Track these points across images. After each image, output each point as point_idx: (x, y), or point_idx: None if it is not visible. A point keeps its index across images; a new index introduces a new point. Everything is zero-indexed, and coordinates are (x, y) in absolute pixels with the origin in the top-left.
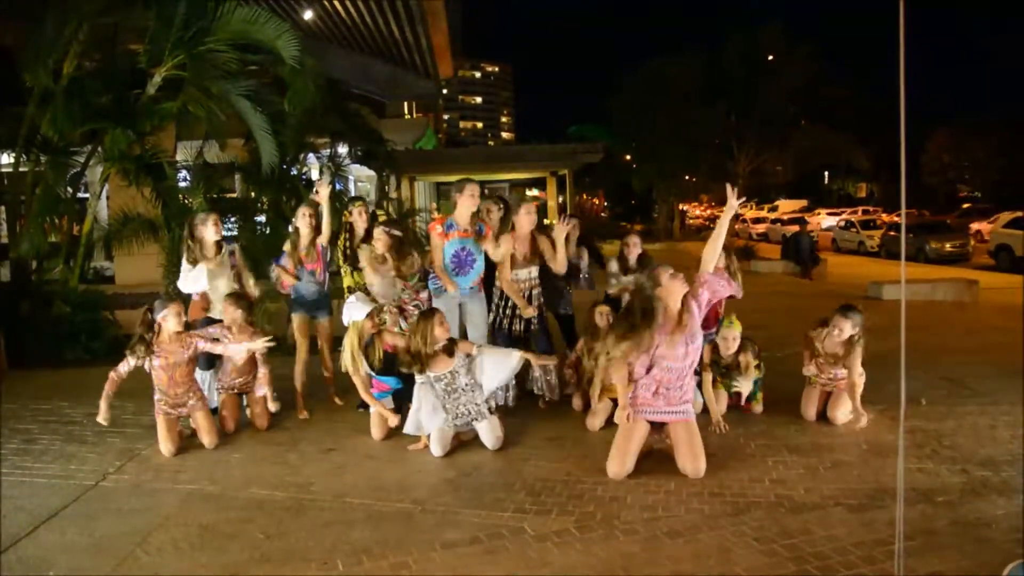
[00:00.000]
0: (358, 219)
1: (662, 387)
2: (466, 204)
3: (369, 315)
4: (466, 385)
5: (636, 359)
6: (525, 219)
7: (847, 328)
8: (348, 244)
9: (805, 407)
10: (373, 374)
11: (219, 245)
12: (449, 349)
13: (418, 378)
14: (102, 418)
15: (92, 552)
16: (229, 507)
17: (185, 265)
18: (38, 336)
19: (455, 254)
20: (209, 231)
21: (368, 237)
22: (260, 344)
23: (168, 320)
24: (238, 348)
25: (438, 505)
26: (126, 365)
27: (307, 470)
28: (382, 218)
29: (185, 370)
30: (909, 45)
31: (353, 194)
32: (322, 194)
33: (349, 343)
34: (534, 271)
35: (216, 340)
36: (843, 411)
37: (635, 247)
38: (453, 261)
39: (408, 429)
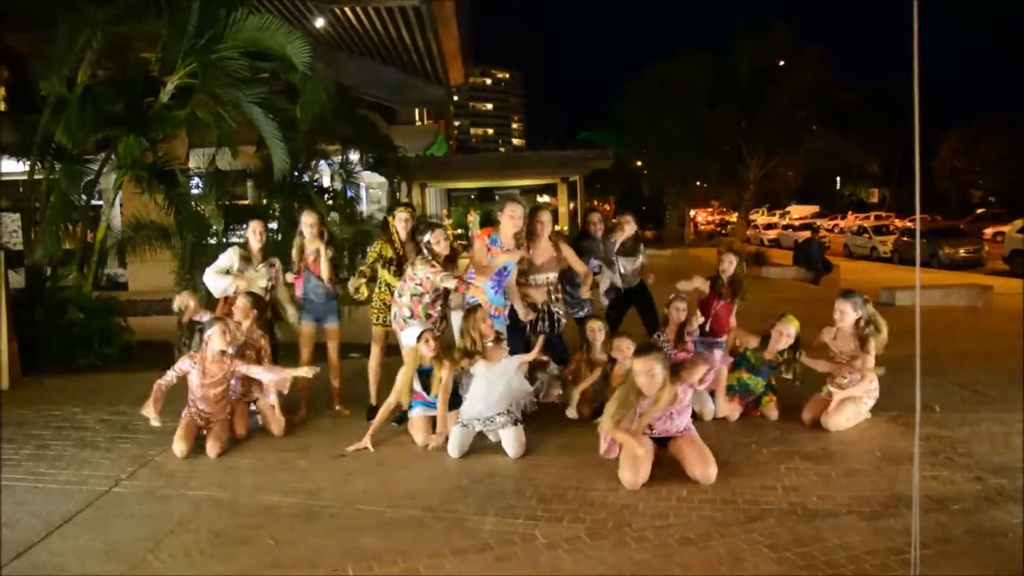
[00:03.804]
0: (401, 226)
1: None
2: (508, 225)
3: (420, 337)
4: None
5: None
6: (538, 225)
7: (848, 310)
8: (398, 248)
9: (805, 412)
10: (423, 393)
11: (264, 252)
12: (500, 340)
13: (475, 371)
14: (155, 423)
15: (104, 558)
16: (240, 513)
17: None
18: (52, 342)
19: (498, 272)
20: (252, 237)
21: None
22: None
23: (214, 339)
24: (273, 376)
25: (449, 512)
26: (173, 373)
27: (317, 477)
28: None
29: (219, 392)
30: (920, 48)
31: (366, 202)
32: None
33: (404, 372)
34: (552, 276)
35: (257, 361)
36: (836, 419)
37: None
38: (495, 279)
39: (465, 419)
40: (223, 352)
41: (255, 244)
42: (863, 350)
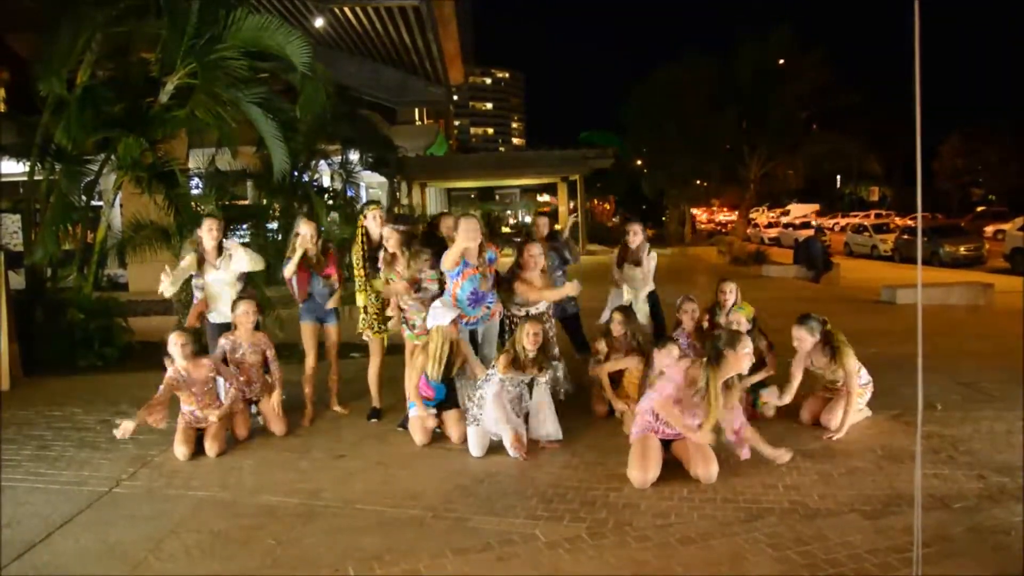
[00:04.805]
0: (372, 224)
1: (661, 417)
2: (468, 239)
3: (453, 321)
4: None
5: (674, 372)
6: (529, 260)
7: (805, 336)
8: (366, 250)
9: (802, 411)
10: (428, 379)
11: (219, 249)
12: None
13: (492, 382)
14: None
15: (105, 558)
16: (241, 514)
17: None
18: (52, 343)
19: (473, 291)
20: (206, 235)
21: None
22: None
23: (173, 348)
24: (224, 400)
25: (450, 511)
26: (165, 387)
27: (318, 477)
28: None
29: (202, 391)
30: (921, 48)
31: (364, 200)
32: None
33: (435, 348)
34: (541, 306)
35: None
36: (836, 417)
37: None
38: (471, 298)
39: (491, 428)
40: (191, 360)
41: (209, 243)
42: (841, 367)
